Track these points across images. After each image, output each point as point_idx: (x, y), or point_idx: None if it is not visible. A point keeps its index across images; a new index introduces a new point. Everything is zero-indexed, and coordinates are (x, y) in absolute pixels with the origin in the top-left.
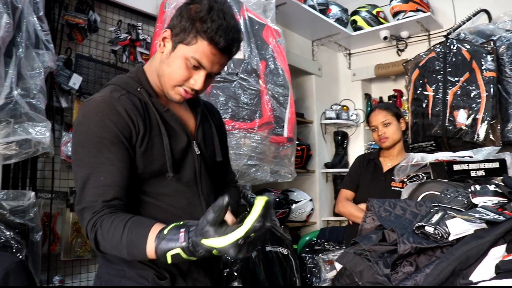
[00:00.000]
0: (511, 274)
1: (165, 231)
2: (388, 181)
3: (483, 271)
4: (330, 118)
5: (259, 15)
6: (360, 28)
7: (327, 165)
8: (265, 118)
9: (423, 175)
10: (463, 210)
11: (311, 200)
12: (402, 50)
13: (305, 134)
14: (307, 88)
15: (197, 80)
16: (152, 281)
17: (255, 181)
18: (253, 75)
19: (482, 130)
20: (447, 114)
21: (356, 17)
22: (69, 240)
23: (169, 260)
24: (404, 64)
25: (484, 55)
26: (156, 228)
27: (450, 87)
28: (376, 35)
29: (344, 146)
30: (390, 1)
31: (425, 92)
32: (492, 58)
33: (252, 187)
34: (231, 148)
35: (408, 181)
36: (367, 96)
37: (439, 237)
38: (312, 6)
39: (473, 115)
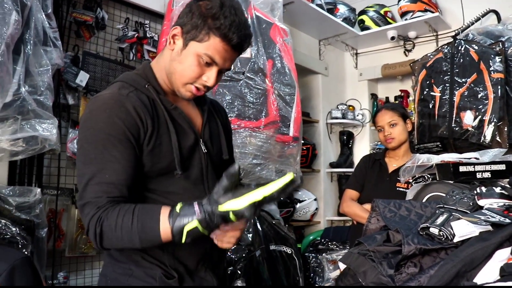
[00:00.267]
0: None
1: (177, 209)
2: (394, 181)
3: (488, 273)
4: (336, 118)
5: (267, 14)
6: (367, 28)
7: (332, 165)
8: (271, 117)
9: (429, 176)
10: (469, 212)
11: (315, 199)
12: (409, 51)
13: (310, 134)
14: (314, 88)
15: (210, 76)
16: (160, 280)
17: (260, 180)
18: (260, 74)
19: (488, 131)
20: (454, 115)
21: (363, 17)
22: (74, 236)
23: (184, 238)
24: (411, 64)
25: (492, 56)
26: (165, 210)
27: (457, 88)
28: (383, 35)
29: (350, 146)
30: (398, 1)
31: (431, 93)
32: (500, 59)
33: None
34: (236, 147)
35: (413, 182)
36: (373, 96)
37: (443, 239)
38: (320, 5)
39: (480, 117)
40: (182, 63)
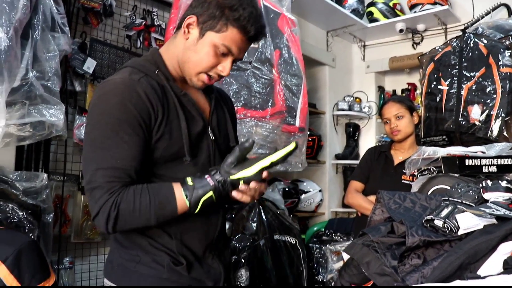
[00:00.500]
0: None
1: (190, 183)
2: (399, 174)
3: (491, 266)
4: (343, 110)
5: (275, 4)
6: (376, 20)
7: (337, 157)
8: (277, 107)
9: (434, 169)
10: (474, 205)
11: (320, 190)
12: (417, 43)
13: (316, 125)
14: (320, 79)
15: (225, 66)
16: (168, 267)
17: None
18: (267, 64)
19: (496, 126)
20: (461, 109)
21: (372, 9)
22: (79, 222)
23: (199, 207)
24: (419, 57)
25: (501, 50)
26: (176, 185)
27: (465, 82)
28: (392, 27)
29: (356, 138)
30: None
31: (439, 87)
32: (509, 53)
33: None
34: (242, 137)
35: (418, 175)
36: (380, 89)
37: (448, 231)
38: None
39: (487, 111)
40: (198, 52)
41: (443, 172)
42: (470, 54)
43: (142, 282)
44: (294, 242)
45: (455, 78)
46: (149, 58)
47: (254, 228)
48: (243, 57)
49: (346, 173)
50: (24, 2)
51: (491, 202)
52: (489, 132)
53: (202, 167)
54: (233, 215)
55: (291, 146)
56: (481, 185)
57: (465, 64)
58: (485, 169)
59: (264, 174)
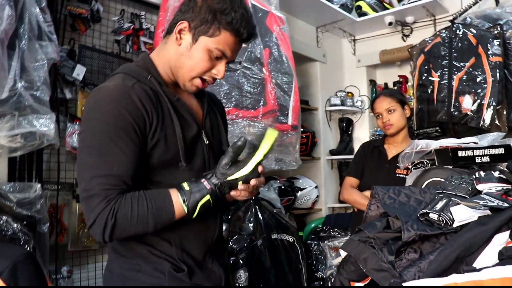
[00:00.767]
0: None
1: (187, 188)
2: (393, 168)
3: (487, 257)
4: (335, 105)
5: (263, 2)
6: (365, 14)
7: (332, 152)
8: (269, 106)
9: (428, 161)
10: (468, 196)
11: (316, 187)
12: (407, 36)
13: (310, 121)
14: (312, 75)
15: (220, 70)
16: (169, 274)
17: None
18: (257, 63)
19: (488, 115)
20: (453, 100)
21: (360, 3)
22: (76, 230)
23: (197, 211)
24: (409, 49)
25: (490, 39)
26: (172, 190)
27: (456, 72)
28: (381, 20)
29: (349, 132)
30: None
31: (430, 78)
32: (498, 42)
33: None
34: (235, 137)
35: (412, 168)
36: (372, 82)
37: (443, 224)
38: None
39: (478, 101)
40: (192, 58)
41: (436, 164)
42: (459, 44)
43: None
44: (291, 240)
45: (445, 69)
46: (141, 63)
47: (251, 228)
48: (235, 59)
49: (341, 168)
50: (9, 12)
51: (484, 193)
52: (481, 122)
53: (198, 171)
54: (229, 217)
55: (274, 133)
56: (474, 176)
57: (455, 54)
58: (478, 160)
59: (260, 168)
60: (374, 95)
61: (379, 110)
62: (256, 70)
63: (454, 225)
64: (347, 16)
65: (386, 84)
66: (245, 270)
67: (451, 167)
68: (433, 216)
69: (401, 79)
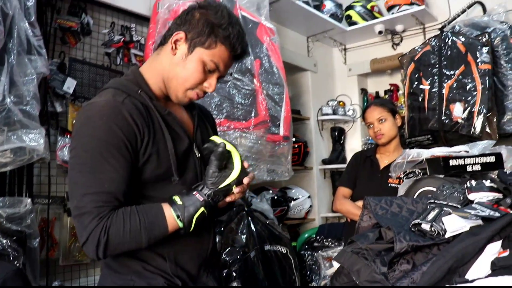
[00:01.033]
0: (507, 271)
1: (179, 202)
2: (385, 178)
3: (479, 268)
4: (327, 114)
5: (253, 13)
6: (355, 23)
7: (324, 162)
8: (261, 117)
9: (420, 171)
10: (459, 206)
11: (309, 197)
12: (397, 44)
13: (302, 131)
14: (303, 85)
15: (211, 83)
16: None
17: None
18: (248, 74)
19: (478, 123)
20: (443, 108)
21: (350, 12)
22: (67, 245)
23: (193, 224)
24: (399, 58)
25: (479, 47)
26: (164, 205)
27: (446, 80)
28: (371, 29)
29: (341, 142)
30: None
31: (421, 86)
32: (487, 50)
33: (250, 186)
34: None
35: (404, 178)
36: (363, 91)
37: (435, 234)
38: (306, 2)
39: (469, 108)
40: (186, 68)
41: (428, 174)
42: (449, 52)
43: None
44: (285, 252)
45: (435, 77)
46: (131, 77)
47: (244, 240)
48: (225, 75)
49: (334, 177)
50: None
51: (476, 203)
52: (472, 129)
53: (190, 185)
54: (222, 229)
55: (235, 153)
56: (465, 186)
57: (445, 62)
58: (469, 168)
59: (245, 164)
60: (365, 103)
61: (370, 120)
62: (247, 81)
63: (446, 236)
64: (337, 25)
65: (377, 92)
66: (238, 282)
67: (442, 176)
68: (425, 226)
69: (392, 88)
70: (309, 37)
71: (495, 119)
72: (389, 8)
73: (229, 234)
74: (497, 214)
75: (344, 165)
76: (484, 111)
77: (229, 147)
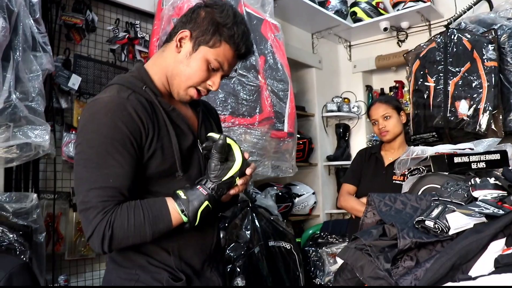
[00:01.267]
0: (510, 269)
1: (183, 196)
2: (390, 174)
3: (483, 265)
4: (332, 111)
5: (257, 10)
6: (360, 20)
7: (329, 158)
8: (265, 114)
9: (424, 168)
10: (463, 203)
11: (313, 193)
12: (402, 41)
13: (306, 128)
14: (308, 81)
15: (215, 82)
16: (167, 283)
17: (256, 177)
18: (252, 70)
19: (484, 120)
20: (449, 105)
21: (355, 9)
22: (73, 239)
23: (198, 218)
24: (404, 55)
25: (485, 44)
26: (168, 199)
27: (451, 77)
28: (376, 26)
29: (346, 138)
30: None
31: (426, 83)
32: (493, 47)
33: (254, 182)
34: None
35: (409, 175)
36: (368, 88)
37: (439, 231)
38: None
39: (474, 106)
40: (190, 66)
41: (432, 171)
42: (454, 49)
43: None
44: (289, 248)
45: (441, 74)
46: (135, 74)
47: (248, 236)
48: (229, 74)
49: (338, 174)
50: (3, 24)
51: (480, 201)
52: (478, 127)
53: (194, 181)
54: (226, 224)
55: (235, 146)
56: (470, 183)
57: (450, 59)
58: (474, 166)
59: (246, 155)
60: (370, 100)
61: (375, 117)
62: (251, 77)
63: (450, 233)
64: (342, 22)
65: (382, 89)
66: (242, 278)
67: (447, 173)
68: (429, 223)
69: (397, 85)
70: (314, 34)
71: (501, 117)
72: (394, 5)
73: (233, 230)
74: (501, 212)
75: (349, 162)
76: (490, 108)
77: (228, 140)
